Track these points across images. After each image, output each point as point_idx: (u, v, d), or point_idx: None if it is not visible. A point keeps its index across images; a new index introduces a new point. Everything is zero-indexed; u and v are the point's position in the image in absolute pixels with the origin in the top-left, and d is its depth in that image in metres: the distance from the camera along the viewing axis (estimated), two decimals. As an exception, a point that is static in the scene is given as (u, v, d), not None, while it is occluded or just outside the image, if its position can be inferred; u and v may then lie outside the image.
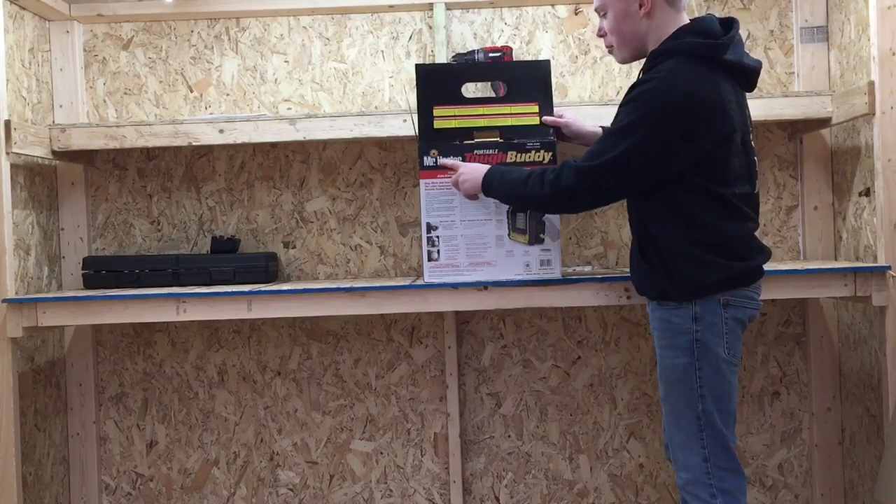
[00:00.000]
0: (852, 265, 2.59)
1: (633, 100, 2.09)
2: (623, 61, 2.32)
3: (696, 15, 3.04)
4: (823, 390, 3.02)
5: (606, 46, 2.33)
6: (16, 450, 2.54)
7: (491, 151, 2.51)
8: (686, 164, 2.07)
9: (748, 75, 2.18)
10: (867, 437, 2.81)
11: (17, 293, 2.64)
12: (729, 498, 2.09)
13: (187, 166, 3.13)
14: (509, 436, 3.11)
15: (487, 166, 2.39)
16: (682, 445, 2.13)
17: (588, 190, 2.15)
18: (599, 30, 2.32)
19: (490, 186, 2.36)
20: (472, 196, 2.46)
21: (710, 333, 2.10)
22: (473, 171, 2.41)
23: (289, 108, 3.12)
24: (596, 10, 2.31)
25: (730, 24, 2.19)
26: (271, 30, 3.13)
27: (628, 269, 2.32)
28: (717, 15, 3.06)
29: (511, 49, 3.02)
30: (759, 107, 2.78)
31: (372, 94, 3.12)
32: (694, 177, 2.08)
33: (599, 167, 2.12)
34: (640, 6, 2.19)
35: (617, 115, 2.15)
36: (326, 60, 3.12)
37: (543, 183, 2.20)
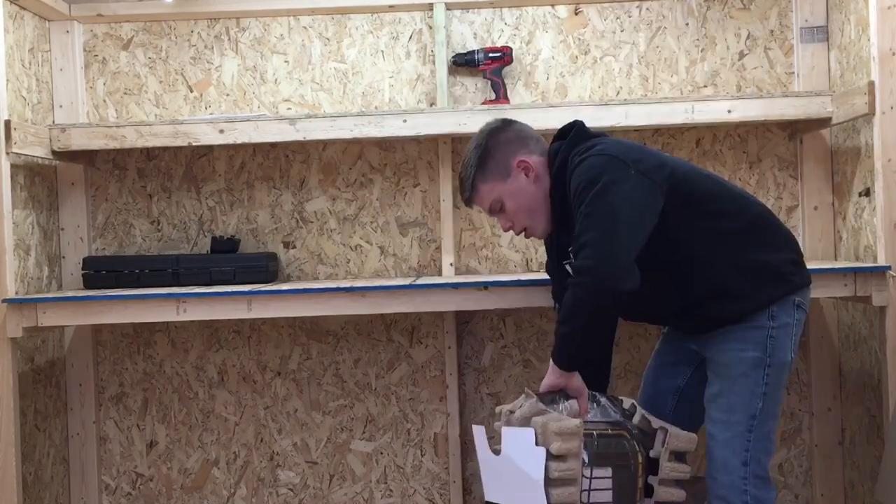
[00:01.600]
0: (852, 265, 2.59)
1: (581, 185, 2.05)
2: (546, 232, 2.25)
3: (696, 14, 3.07)
4: (823, 390, 3.02)
5: (519, 234, 2.26)
6: (16, 450, 2.54)
7: None
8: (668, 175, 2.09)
9: None
10: (867, 437, 2.80)
11: (17, 293, 2.64)
12: None
13: (187, 166, 3.13)
14: (509, 436, 3.11)
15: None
16: (725, 444, 2.09)
17: (614, 254, 1.98)
18: (504, 223, 2.25)
19: (561, 358, 2.09)
20: (563, 383, 2.11)
21: (783, 334, 2.09)
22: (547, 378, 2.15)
23: (289, 108, 3.12)
24: (489, 211, 2.26)
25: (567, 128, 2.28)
26: (271, 30, 3.13)
27: None
28: (718, 15, 3.08)
29: (511, 49, 3.03)
30: (759, 107, 2.79)
31: (372, 94, 3.12)
32: (692, 197, 2.12)
33: (587, 223, 2.00)
34: (527, 174, 2.20)
35: (579, 209, 2.05)
36: (326, 60, 3.12)
37: (575, 296, 2.01)
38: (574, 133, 2.22)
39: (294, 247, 3.12)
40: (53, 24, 3.07)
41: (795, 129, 3.04)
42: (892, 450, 2.37)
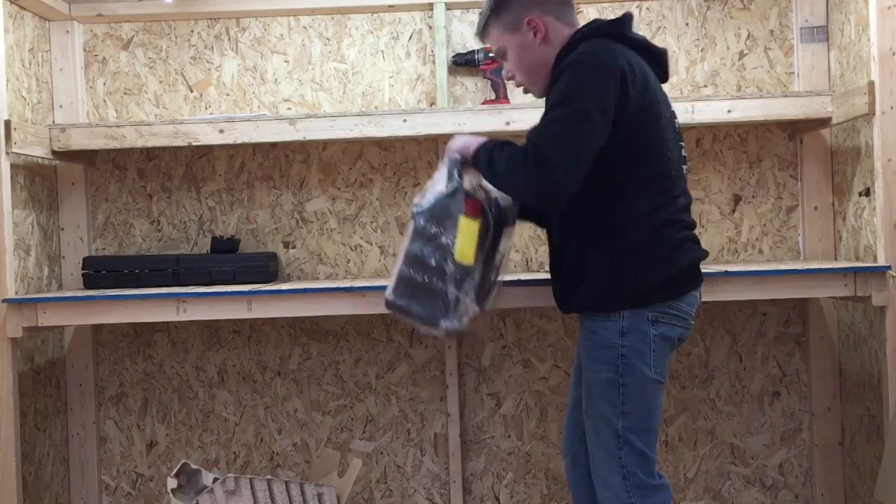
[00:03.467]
0: (852, 265, 2.59)
1: (561, 73, 2.03)
2: (542, 95, 2.21)
3: (696, 14, 3.06)
4: (823, 390, 3.02)
5: (519, 87, 2.26)
6: (16, 450, 2.54)
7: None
8: (624, 121, 2.01)
9: (658, 58, 2.17)
10: (867, 437, 2.81)
11: (17, 293, 2.64)
12: None
13: (187, 166, 3.13)
14: (509, 436, 3.11)
15: (484, 139, 2.15)
16: (602, 463, 2.08)
17: (555, 152, 1.94)
18: (507, 72, 2.25)
19: (480, 163, 2.10)
20: (463, 155, 2.15)
21: (636, 350, 2.03)
22: (468, 138, 2.18)
23: (289, 108, 3.12)
24: (495, 55, 2.27)
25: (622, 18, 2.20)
26: (271, 30, 3.13)
27: None
28: (718, 15, 3.08)
29: (511, 49, 3.02)
30: (759, 107, 2.79)
31: (372, 94, 3.12)
32: (627, 166, 2.03)
33: (555, 128, 1.97)
34: (535, 34, 2.16)
35: (549, 97, 2.06)
36: (326, 60, 3.12)
37: (514, 172, 2.00)
38: (598, 24, 2.16)
39: (294, 247, 3.12)
40: (53, 24, 3.07)
41: (795, 129, 3.04)
42: (892, 450, 2.37)
